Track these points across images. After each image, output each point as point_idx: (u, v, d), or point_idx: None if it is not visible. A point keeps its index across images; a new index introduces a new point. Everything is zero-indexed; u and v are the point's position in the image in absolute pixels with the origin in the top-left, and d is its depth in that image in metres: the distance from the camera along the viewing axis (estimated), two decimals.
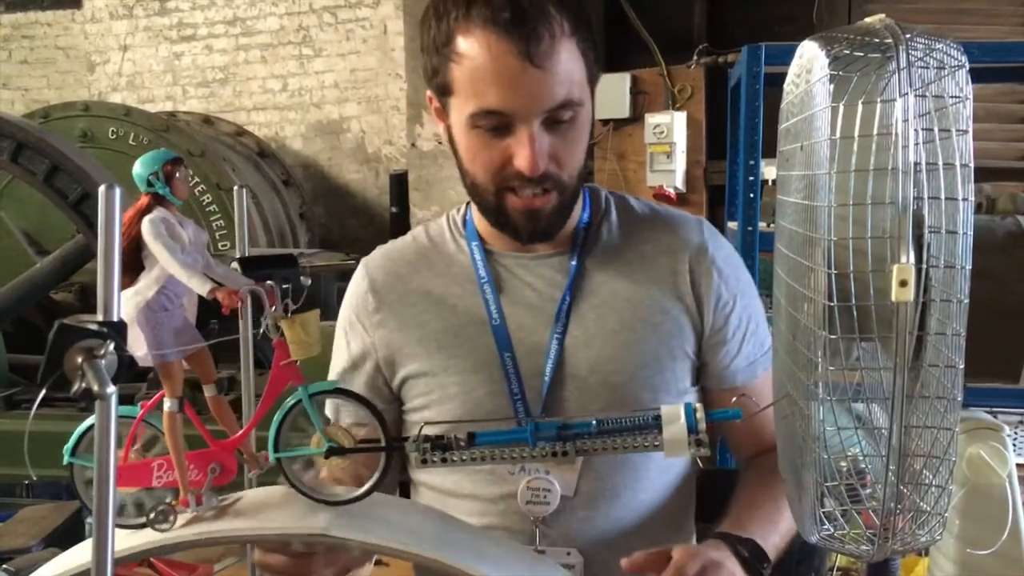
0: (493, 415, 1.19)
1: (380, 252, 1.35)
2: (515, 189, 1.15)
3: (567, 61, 1.09)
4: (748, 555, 1.06)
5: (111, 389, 0.50)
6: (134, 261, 0.75)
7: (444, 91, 1.14)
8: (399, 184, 5.11)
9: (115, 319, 0.54)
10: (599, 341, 1.21)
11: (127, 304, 0.74)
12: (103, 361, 0.51)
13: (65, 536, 1.85)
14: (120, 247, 0.55)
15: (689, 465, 1.31)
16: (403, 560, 0.83)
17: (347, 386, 1.28)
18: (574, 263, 1.24)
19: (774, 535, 1.12)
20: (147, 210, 0.76)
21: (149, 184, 0.76)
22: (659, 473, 1.26)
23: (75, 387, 0.50)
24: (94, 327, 0.53)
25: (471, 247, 1.27)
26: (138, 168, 0.77)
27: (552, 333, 1.21)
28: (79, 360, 0.51)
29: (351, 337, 1.30)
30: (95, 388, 0.49)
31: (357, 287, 1.32)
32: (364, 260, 1.35)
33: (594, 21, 1.18)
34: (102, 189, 0.54)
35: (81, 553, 0.82)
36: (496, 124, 1.11)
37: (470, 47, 1.08)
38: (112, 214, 0.54)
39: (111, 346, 0.52)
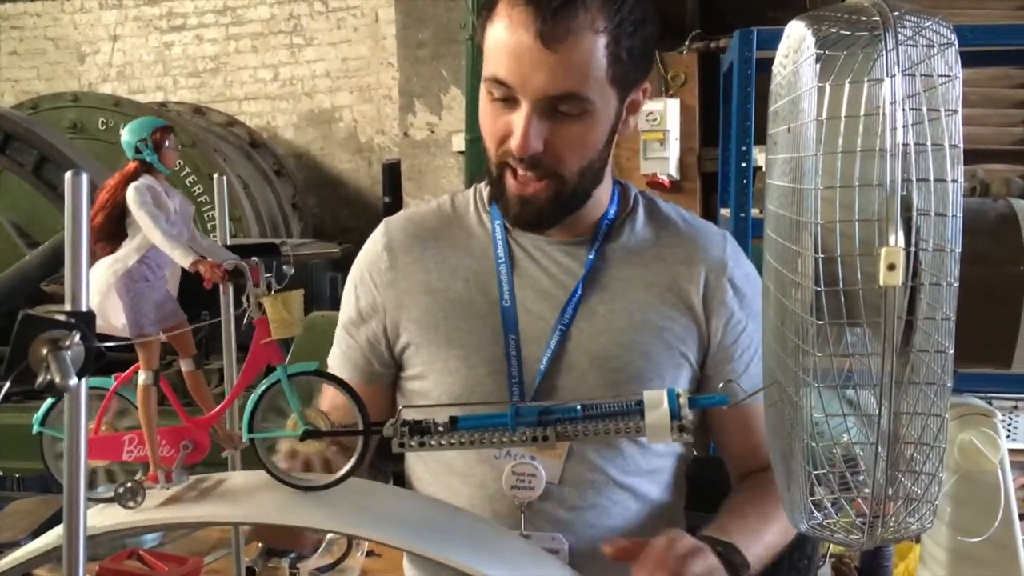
0: (492, 394, 1.19)
1: (403, 214, 1.36)
2: (513, 169, 1.15)
3: (585, 54, 1.07)
4: (727, 555, 1.06)
5: (74, 381, 0.48)
6: (117, 229, 0.73)
7: (480, 51, 1.16)
8: (392, 173, 5.09)
9: (83, 309, 0.52)
10: (605, 337, 1.21)
11: (106, 271, 0.72)
12: (68, 352, 0.49)
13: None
14: (88, 235, 0.53)
15: (679, 452, 1.30)
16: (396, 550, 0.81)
17: (350, 339, 1.30)
18: (591, 256, 1.23)
19: (757, 545, 1.12)
20: (133, 177, 0.73)
21: (137, 151, 0.74)
22: (647, 460, 1.25)
23: (40, 379, 0.49)
24: (61, 318, 0.52)
25: (494, 225, 1.27)
26: (125, 135, 0.75)
27: (557, 324, 1.21)
28: (44, 351, 0.49)
29: (360, 291, 1.30)
30: (57, 380, 0.47)
31: (374, 244, 1.32)
32: (386, 219, 1.35)
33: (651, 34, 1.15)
34: (68, 176, 0.53)
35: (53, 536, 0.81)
36: (504, 95, 1.11)
37: (500, 12, 1.09)
38: (79, 202, 0.53)
39: (77, 337, 0.50)
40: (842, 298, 0.64)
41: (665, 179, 3.95)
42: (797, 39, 0.70)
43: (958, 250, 0.63)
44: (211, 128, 5.30)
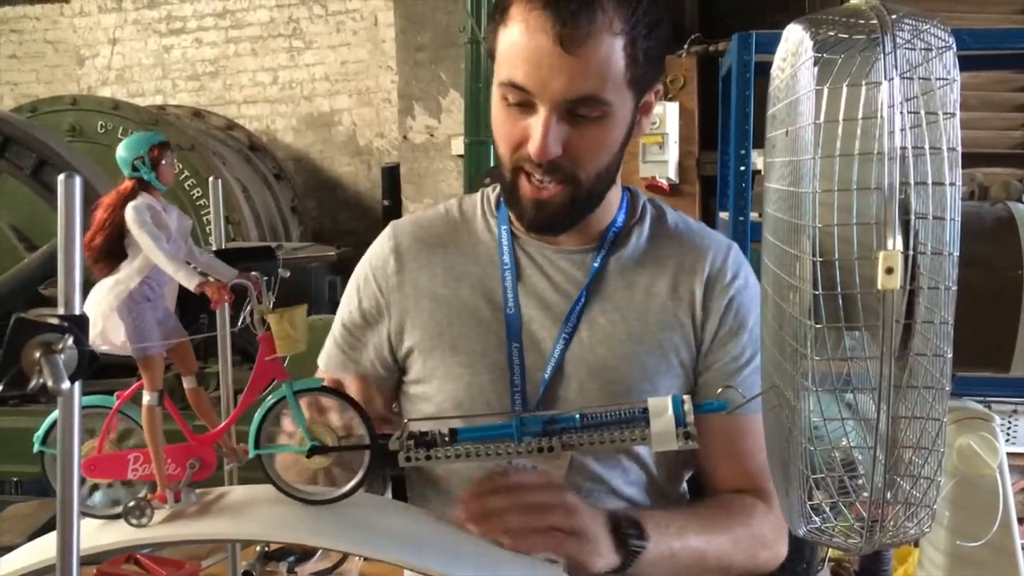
0: (494, 402, 1.18)
1: (410, 218, 1.35)
2: (528, 173, 1.14)
3: (604, 57, 1.06)
4: (622, 522, 1.04)
5: (66, 385, 0.48)
6: (116, 249, 0.71)
7: (491, 54, 1.14)
8: (391, 177, 5.10)
9: (76, 312, 0.52)
10: (604, 348, 1.20)
11: (108, 294, 0.70)
12: (61, 356, 0.49)
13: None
14: (80, 238, 0.53)
15: (678, 464, 1.28)
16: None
17: (354, 339, 1.29)
18: (596, 265, 1.23)
19: (673, 539, 1.08)
20: (131, 195, 0.71)
21: (134, 168, 0.72)
22: (646, 471, 1.24)
23: (32, 383, 0.49)
24: (54, 321, 0.51)
25: (500, 230, 1.26)
26: (122, 152, 0.72)
27: (560, 332, 1.20)
28: (36, 355, 0.49)
29: (364, 294, 1.29)
30: (50, 384, 0.47)
31: (380, 247, 1.31)
32: (393, 222, 1.34)
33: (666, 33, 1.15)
34: (61, 179, 0.52)
35: (47, 546, 0.80)
36: (520, 100, 1.10)
37: (515, 16, 1.08)
38: (71, 204, 0.52)
39: (70, 340, 0.50)
40: (840, 302, 0.64)
41: (664, 182, 3.95)
42: (795, 42, 0.70)
43: (956, 254, 0.63)
44: (210, 132, 5.30)
